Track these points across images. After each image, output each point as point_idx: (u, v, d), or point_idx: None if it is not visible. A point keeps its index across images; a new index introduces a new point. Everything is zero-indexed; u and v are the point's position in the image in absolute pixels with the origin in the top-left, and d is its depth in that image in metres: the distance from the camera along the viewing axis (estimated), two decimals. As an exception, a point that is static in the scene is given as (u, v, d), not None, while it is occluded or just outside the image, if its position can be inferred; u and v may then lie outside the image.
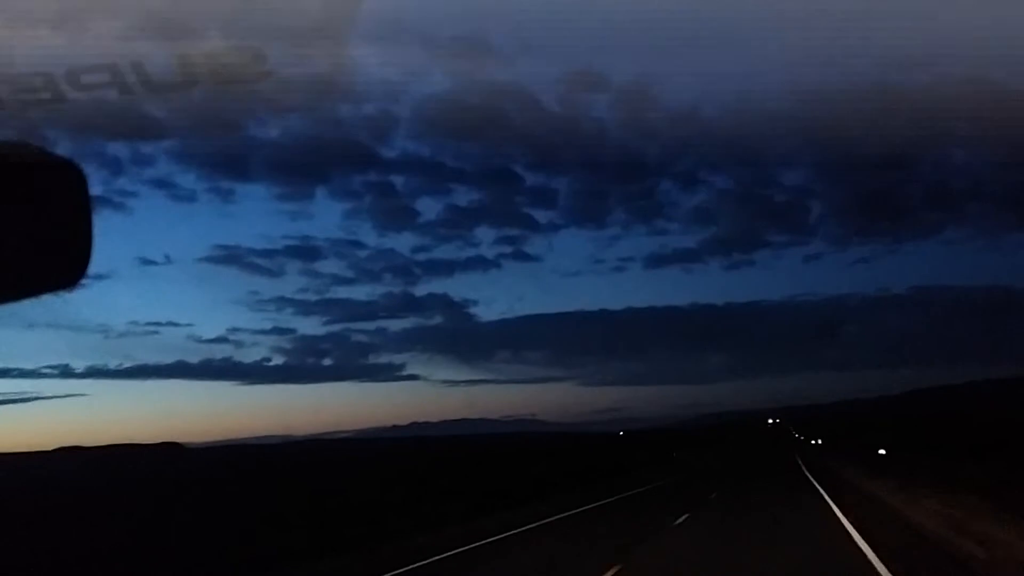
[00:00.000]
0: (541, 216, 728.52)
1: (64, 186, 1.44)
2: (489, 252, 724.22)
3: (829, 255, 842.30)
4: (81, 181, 1.44)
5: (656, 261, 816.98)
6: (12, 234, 1.37)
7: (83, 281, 1.46)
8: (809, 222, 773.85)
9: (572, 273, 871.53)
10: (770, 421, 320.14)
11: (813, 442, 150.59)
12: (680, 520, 23.52)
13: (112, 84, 1.41)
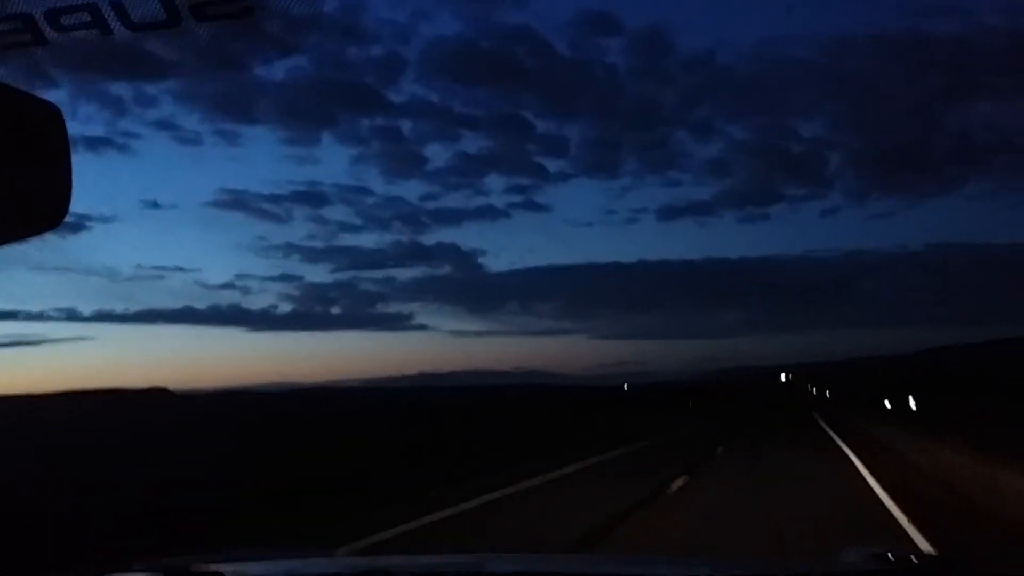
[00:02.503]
0: (552, 165, 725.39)
1: (41, 127, 1.41)
2: (499, 201, 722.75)
3: (847, 209, 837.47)
4: (59, 121, 1.42)
5: (669, 213, 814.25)
6: None
7: (63, 222, 1.45)
8: (827, 175, 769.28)
9: (583, 224, 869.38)
10: (783, 377, 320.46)
11: (827, 394, 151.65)
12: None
13: (92, 24, 1.37)
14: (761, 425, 53.59)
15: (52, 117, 1.40)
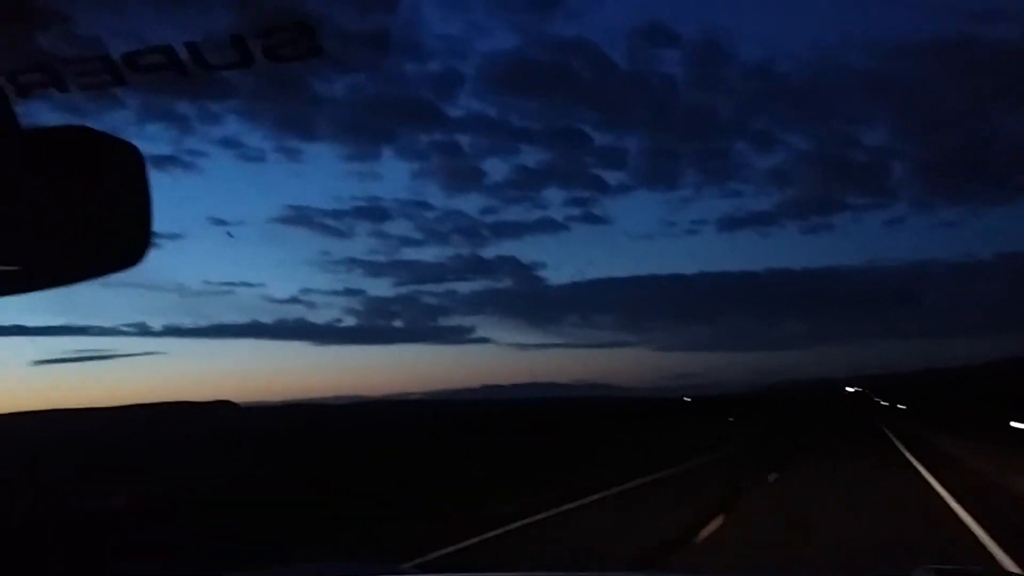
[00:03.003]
0: (611, 177, 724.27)
1: (124, 168, 1.47)
2: (558, 214, 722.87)
3: (911, 218, 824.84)
4: (140, 162, 1.47)
5: (730, 224, 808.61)
6: (75, 217, 1.41)
7: (142, 260, 1.50)
8: (891, 184, 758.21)
9: (643, 236, 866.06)
10: (848, 389, 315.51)
11: (897, 407, 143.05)
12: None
13: (169, 66, 1.42)
14: (824, 443, 46.63)
15: (133, 158, 1.45)
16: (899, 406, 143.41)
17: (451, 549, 14.00)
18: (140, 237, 1.43)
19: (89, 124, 1.54)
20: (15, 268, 1.43)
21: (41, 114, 1.55)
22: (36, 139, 1.45)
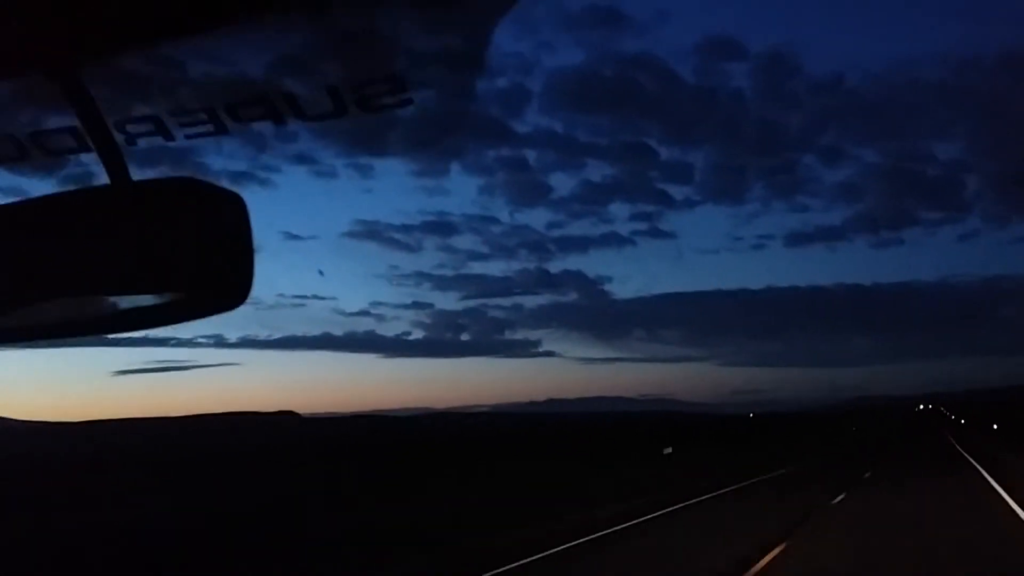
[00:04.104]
0: (676, 192, 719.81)
1: (227, 214, 1.55)
2: (624, 228, 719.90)
3: (986, 233, 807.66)
4: (242, 209, 1.56)
5: (798, 239, 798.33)
6: (178, 263, 1.50)
7: (244, 302, 1.58)
8: (964, 198, 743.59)
9: (710, 251, 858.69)
10: (920, 407, 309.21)
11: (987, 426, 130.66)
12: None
13: (267, 116, 1.51)
14: (892, 472, 39.52)
15: (236, 205, 1.53)
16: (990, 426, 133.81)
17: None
18: (242, 281, 1.51)
19: (175, 144, 1.63)
20: (123, 308, 1.53)
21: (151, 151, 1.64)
22: (145, 188, 1.54)
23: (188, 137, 1.59)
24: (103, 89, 1.58)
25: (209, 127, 1.56)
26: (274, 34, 1.55)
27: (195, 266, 1.48)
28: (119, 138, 1.57)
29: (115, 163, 1.53)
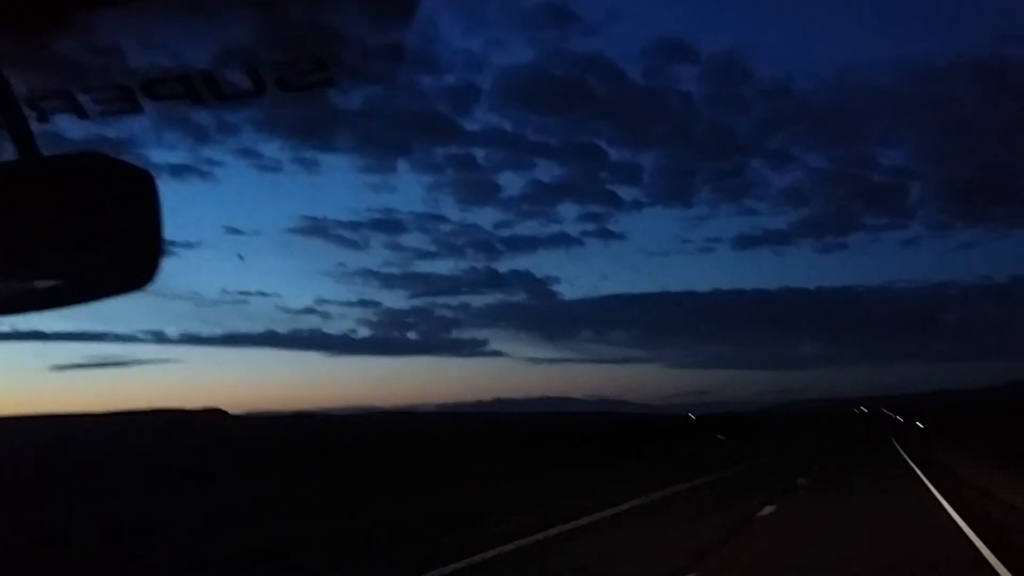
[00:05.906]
0: (626, 193, 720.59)
1: (134, 192, 1.51)
2: (572, 229, 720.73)
3: (929, 240, 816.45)
4: (153, 188, 1.52)
5: (745, 242, 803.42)
6: (87, 240, 1.46)
7: (152, 281, 1.54)
8: (908, 204, 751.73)
9: (658, 253, 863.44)
10: (863, 408, 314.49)
11: (917, 425, 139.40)
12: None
13: (184, 95, 1.47)
14: (829, 472, 39.92)
15: (144, 182, 1.49)
16: (918, 424, 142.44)
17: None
18: (149, 260, 1.47)
19: (108, 133, 1.59)
20: (30, 287, 1.48)
21: (64, 128, 1.60)
22: (53, 165, 1.49)
23: (101, 115, 1.56)
24: (14, 64, 1.54)
25: (124, 104, 1.53)
26: (193, 10, 1.52)
27: (101, 244, 1.43)
28: (30, 114, 1.53)
29: (23, 138, 1.49)
